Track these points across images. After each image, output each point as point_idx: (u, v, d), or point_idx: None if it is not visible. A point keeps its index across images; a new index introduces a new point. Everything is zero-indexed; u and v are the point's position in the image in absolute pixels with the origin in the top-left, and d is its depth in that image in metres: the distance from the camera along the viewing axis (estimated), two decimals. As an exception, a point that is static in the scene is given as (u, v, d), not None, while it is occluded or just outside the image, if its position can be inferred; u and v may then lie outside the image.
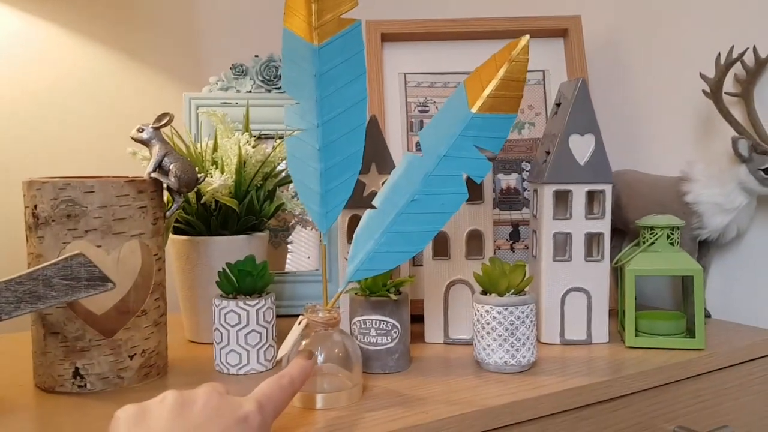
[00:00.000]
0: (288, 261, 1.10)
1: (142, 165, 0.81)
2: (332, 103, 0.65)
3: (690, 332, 0.83)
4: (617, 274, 0.88)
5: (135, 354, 0.70)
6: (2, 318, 0.60)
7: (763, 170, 0.85)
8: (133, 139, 0.72)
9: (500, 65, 0.64)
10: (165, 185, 0.72)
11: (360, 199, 0.82)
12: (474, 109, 0.65)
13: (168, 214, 0.74)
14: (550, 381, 0.71)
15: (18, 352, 0.79)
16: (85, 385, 0.68)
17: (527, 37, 0.64)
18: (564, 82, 0.88)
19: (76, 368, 0.68)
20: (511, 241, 1.01)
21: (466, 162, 0.66)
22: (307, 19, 0.62)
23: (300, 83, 0.65)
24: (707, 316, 0.95)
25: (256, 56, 1.02)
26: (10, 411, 0.64)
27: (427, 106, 1.03)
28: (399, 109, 1.03)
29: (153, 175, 0.70)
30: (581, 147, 0.82)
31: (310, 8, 0.62)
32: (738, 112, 0.91)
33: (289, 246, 1.10)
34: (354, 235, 0.68)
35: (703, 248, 0.95)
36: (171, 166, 0.70)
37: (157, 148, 0.71)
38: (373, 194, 0.74)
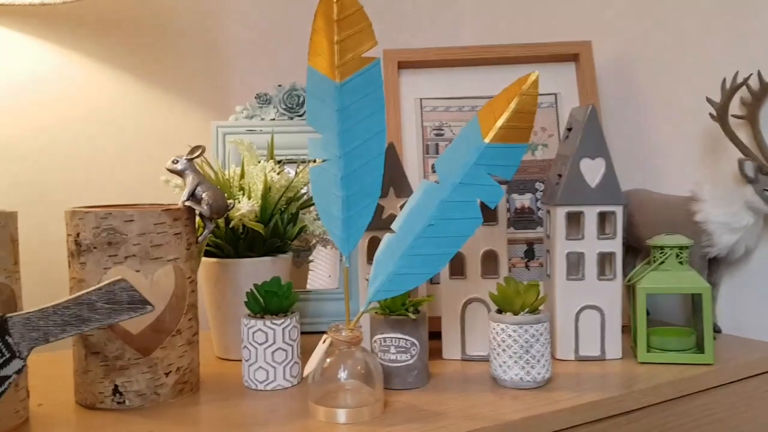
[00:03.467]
0: (309, 279, 1.14)
1: (174, 192, 0.86)
2: (353, 135, 0.69)
3: (700, 347, 0.85)
4: (630, 291, 0.91)
5: (170, 371, 0.74)
6: (50, 340, 0.64)
7: (768, 190, 0.88)
8: (168, 170, 0.77)
9: (511, 98, 0.68)
10: (198, 212, 0.77)
11: (379, 222, 0.86)
12: (487, 140, 0.69)
13: (200, 239, 0.79)
14: (565, 396, 0.74)
15: (59, 371, 0.84)
16: (124, 402, 0.72)
17: (537, 72, 0.67)
18: (575, 108, 0.92)
19: (116, 386, 0.72)
20: (526, 260, 1.04)
21: (480, 189, 0.69)
22: (329, 58, 0.67)
23: (323, 117, 0.69)
24: (718, 331, 0.98)
25: (279, 85, 1.07)
26: (52, 427, 0.69)
27: (443, 130, 1.07)
28: (415, 132, 1.07)
29: (187, 203, 0.75)
30: (592, 170, 0.86)
31: (332, 48, 0.66)
32: (745, 134, 0.94)
33: (310, 265, 1.14)
34: (374, 258, 0.72)
35: (713, 265, 0.98)
36: (203, 195, 0.75)
37: (190, 178, 0.76)
38: (392, 217, 0.78)
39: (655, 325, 0.94)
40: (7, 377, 0.63)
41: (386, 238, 0.72)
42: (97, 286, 0.64)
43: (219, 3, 1.18)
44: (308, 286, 1.12)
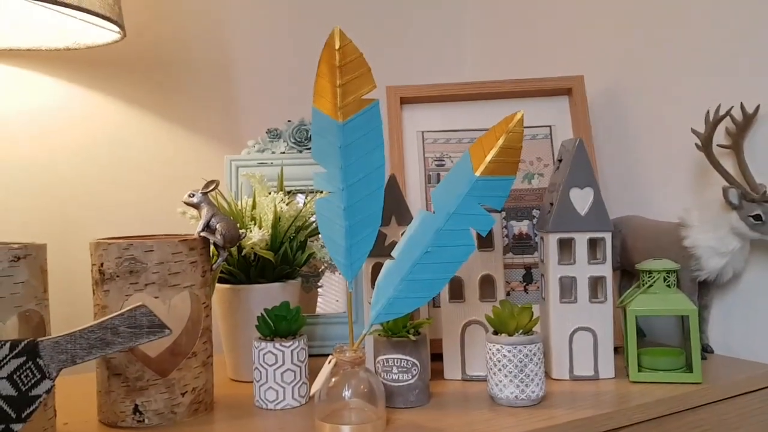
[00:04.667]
0: (319, 304, 1.20)
1: (190, 223, 0.92)
2: (355, 170, 0.75)
3: (689, 367, 0.89)
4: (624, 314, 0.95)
5: (186, 391, 0.79)
6: (77, 361, 0.69)
7: (752, 216, 0.92)
8: (184, 202, 0.83)
9: (499, 135, 0.73)
10: (212, 242, 0.82)
11: (382, 249, 0.91)
12: (478, 173, 0.74)
13: (214, 266, 0.84)
14: (559, 413, 0.79)
15: (82, 392, 0.89)
16: (144, 420, 0.77)
17: (522, 111, 0.73)
18: (565, 140, 0.97)
19: (136, 405, 0.77)
20: (524, 283, 1.09)
21: (472, 218, 0.75)
22: (332, 100, 0.73)
23: (327, 153, 0.75)
24: (710, 351, 1.01)
25: (289, 121, 1.13)
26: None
27: (444, 161, 1.13)
28: (418, 163, 1.13)
29: (202, 234, 0.81)
30: (581, 199, 0.91)
31: (335, 92, 0.72)
32: (730, 163, 0.98)
33: (319, 290, 1.19)
34: (376, 283, 0.78)
35: (704, 289, 1.02)
36: (217, 226, 0.81)
37: (205, 211, 0.82)
38: (394, 244, 0.83)
39: (650, 346, 0.98)
40: (38, 396, 0.68)
41: (386, 264, 0.78)
42: (119, 312, 0.70)
43: (232, 47, 1.26)
44: (318, 311, 1.17)
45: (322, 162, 0.76)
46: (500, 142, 0.73)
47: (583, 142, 0.91)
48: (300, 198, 1.11)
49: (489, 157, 0.74)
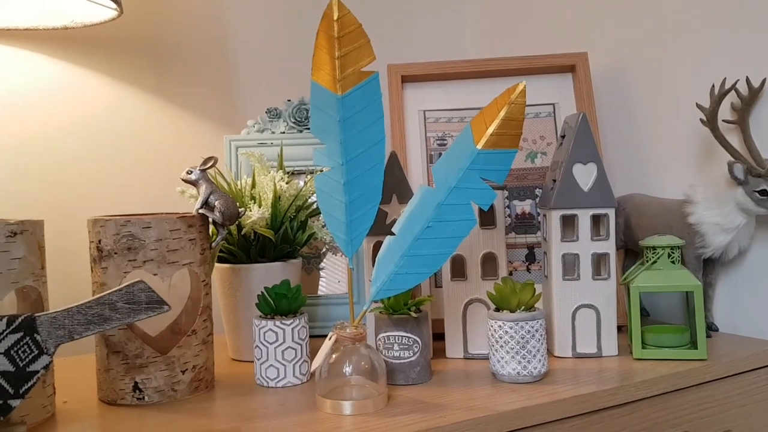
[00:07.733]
0: (321, 286, 1.19)
1: (189, 202, 0.91)
2: (354, 144, 0.74)
3: (694, 344, 0.88)
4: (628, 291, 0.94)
5: (187, 369, 0.79)
6: (74, 337, 0.69)
7: (758, 192, 0.91)
8: (182, 180, 0.82)
9: (501, 107, 0.72)
10: (211, 219, 0.82)
11: (383, 227, 0.90)
12: (479, 146, 0.73)
13: (213, 244, 0.84)
14: (561, 389, 0.78)
15: (82, 372, 0.89)
16: (144, 398, 0.77)
17: (524, 82, 0.72)
18: (568, 116, 0.96)
19: (136, 383, 0.77)
20: (527, 263, 1.08)
21: (473, 192, 0.74)
22: (331, 72, 0.72)
23: (326, 128, 0.74)
24: (715, 329, 1.00)
25: (289, 100, 1.12)
26: (77, 421, 0.73)
27: (445, 140, 1.12)
28: (419, 142, 1.12)
29: (200, 211, 0.80)
30: (584, 175, 0.90)
31: (333, 63, 0.71)
32: (736, 138, 0.97)
33: (321, 272, 1.19)
34: (376, 259, 0.77)
35: (709, 266, 1.01)
36: (216, 203, 0.80)
37: (203, 188, 0.81)
38: (395, 222, 0.82)
39: (650, 324, 0.97)
40: (36, 372, 0.67)
41: (387, 240, 0.77)
42: (117, 288, 0.69)
43: (231, 24, 1.25)
44: (320, 292, 1.17)
45: (322, 137, 0.75)
46: (502, 114, 0.72)
47: (586, 116, 0.90)
48: (300, 180, 1.10)
49: (490, 130, 0.73)
